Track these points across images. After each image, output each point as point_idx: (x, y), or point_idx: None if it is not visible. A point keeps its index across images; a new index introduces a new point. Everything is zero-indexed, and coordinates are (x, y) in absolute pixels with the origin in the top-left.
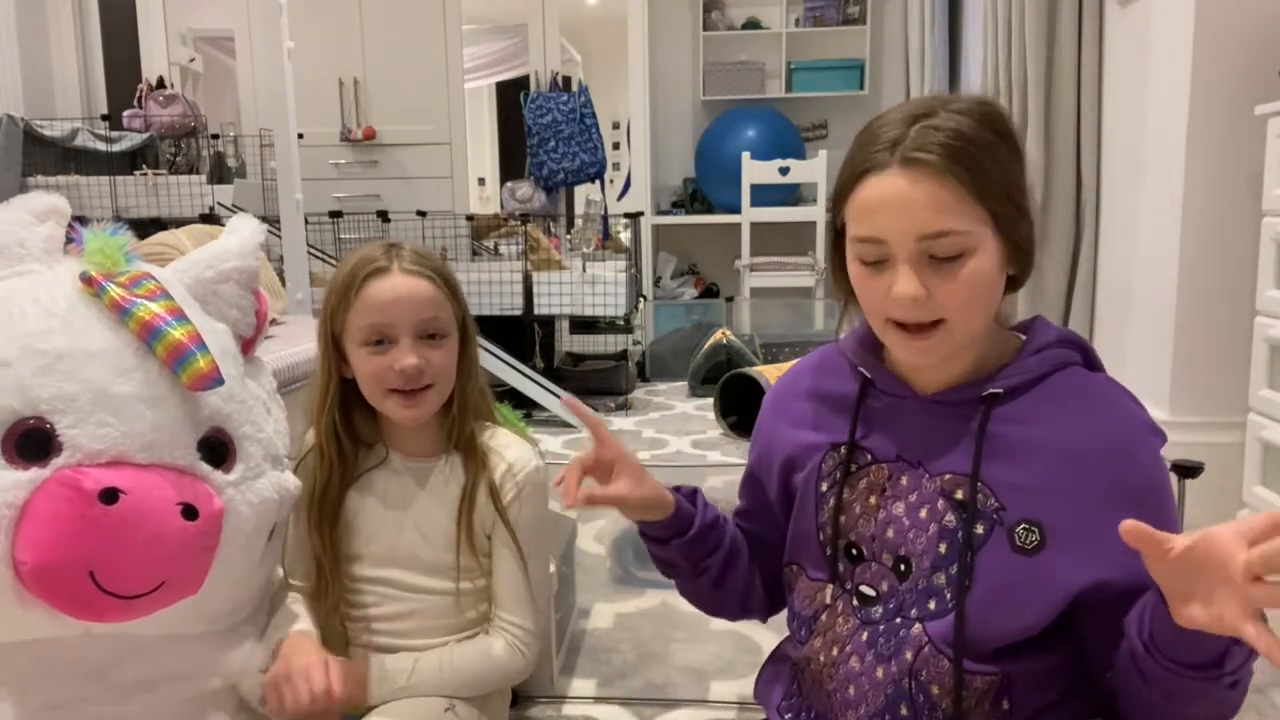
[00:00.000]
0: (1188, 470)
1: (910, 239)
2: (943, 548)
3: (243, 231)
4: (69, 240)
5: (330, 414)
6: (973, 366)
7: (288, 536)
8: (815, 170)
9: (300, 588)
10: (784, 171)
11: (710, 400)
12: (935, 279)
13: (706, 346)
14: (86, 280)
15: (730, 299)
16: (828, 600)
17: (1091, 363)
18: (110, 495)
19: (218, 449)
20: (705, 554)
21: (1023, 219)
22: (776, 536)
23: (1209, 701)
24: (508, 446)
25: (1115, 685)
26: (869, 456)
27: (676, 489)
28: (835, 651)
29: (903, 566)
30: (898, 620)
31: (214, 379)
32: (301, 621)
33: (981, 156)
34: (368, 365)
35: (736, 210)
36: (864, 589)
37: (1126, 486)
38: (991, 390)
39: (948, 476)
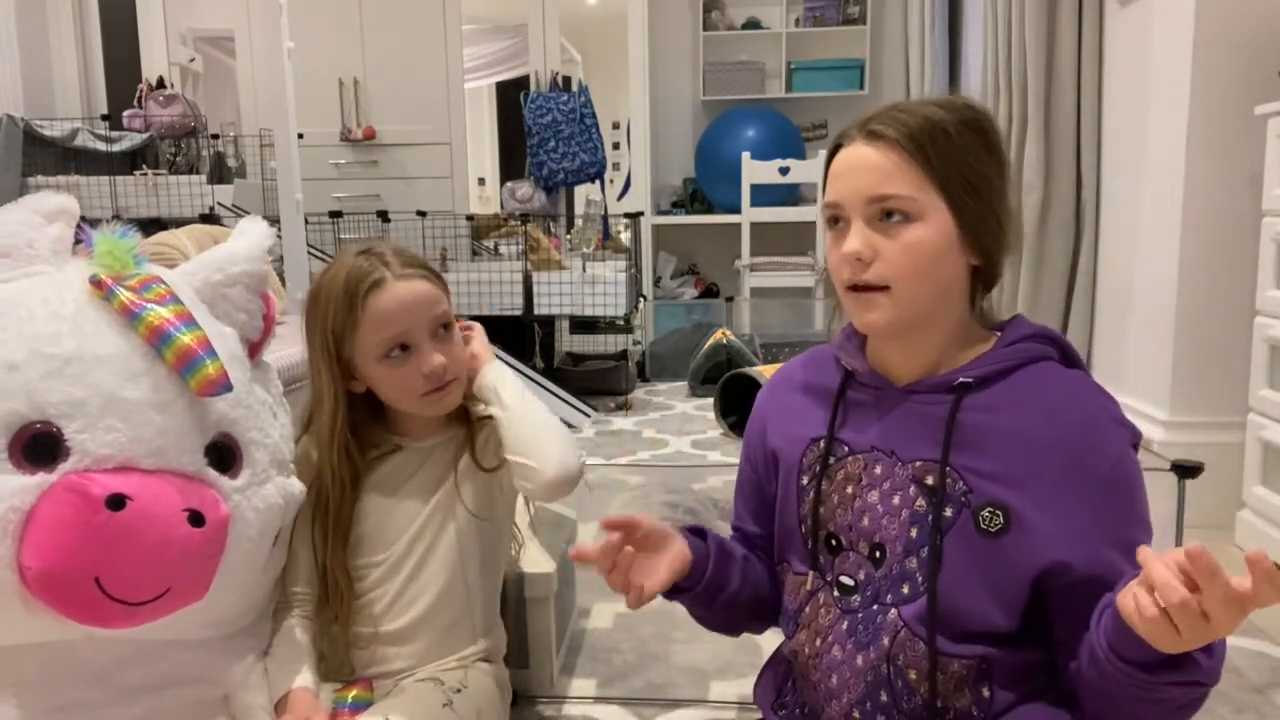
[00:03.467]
0: (1188, 470)
1: (860, 201)
2: (914, 532)
3: (252, 235)
4: (77, 241)
5: (343, 435)
6: (945, 358)
7: (292, 540)
8: (815, 170)
9: (302, 595)
10: (784, 171)
11: (710, 400)
12: (882, 241)
13: (706, 346)
14: (96, 283)
15: (730, 299)
16: (809, 591)
17: (1070, 359)
18: (117, 501)
19: (224, 454)
20: (718, 591)
21: (984, 208)
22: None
23: (1160, 706)
24: None
25: (1076, 676)
26: (846, 448)
27: (683, 530)
28: (818, 643)
29: (878, 554)
30: (875, 607)
31: (223, 385)
32: (304, 670)
33: (943, 141)
34: (393, 377)
35: (736, 210)
36: (844, 579)
37: (1090, 475)
38: (962, 380)
39: (919, 463)
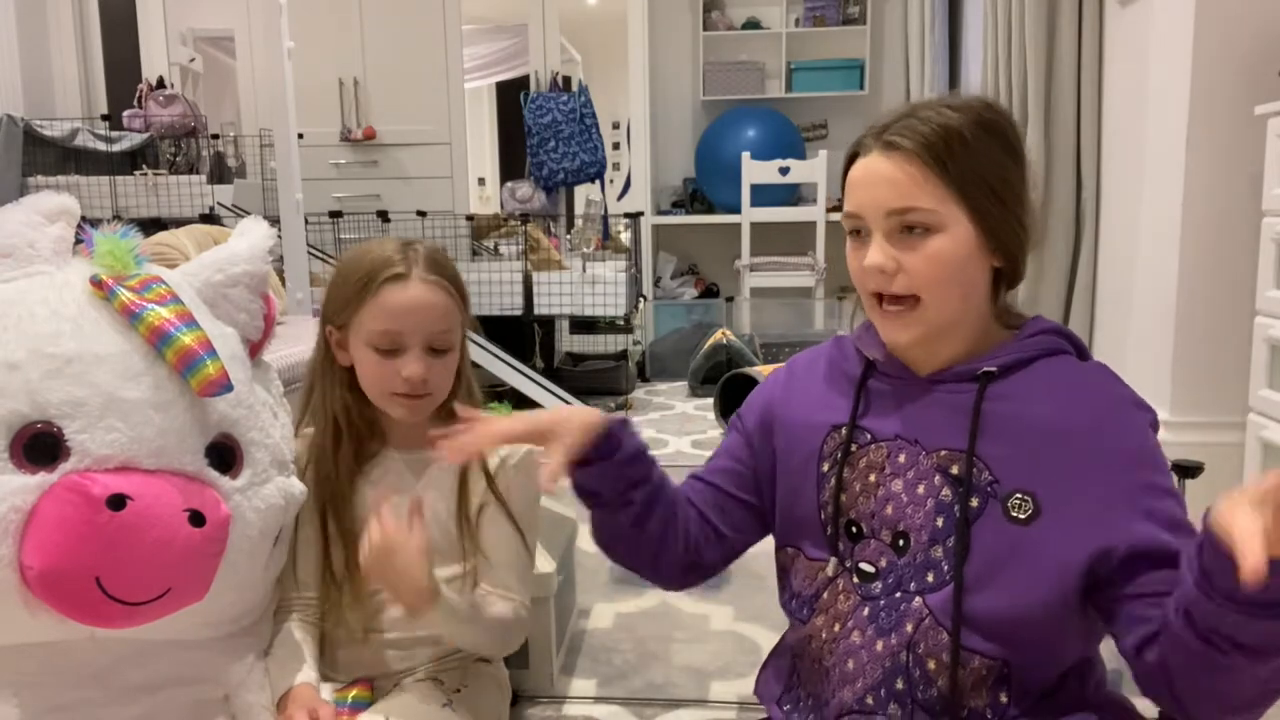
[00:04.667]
0: (1188, 470)
1: (881, 213)
2: (940, 521)
3: (253, 235)
4: (78, 241)
5: (344, 394)
6: (968, 350)
7: (294, 540)
8: (815, 170)
9: (303, 597)
10: (784, 171)
11: (710, 400)
12: (905, 253)
13: (706, 346)
14: (97, 283)
15: (730, 299)
16: (829, 577)
17: (1083, 357)
18: (118, 501)
19: (225, 454)
20: (631, 484)
21: (1005, 213)
22: (742, 492)
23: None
24: None
25: (1162, 659)
26: (868, 436)
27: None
28: (837, 628)
29: (901, 542)
30: (898, 594)
31: (223, 385)
32: (305, 669)
33: (960, 149)
34: (374, 367)
35: (736, 210)
36: (863, 566)
37: (1113, 454)
38: (985, 369)
39: (943, 452)
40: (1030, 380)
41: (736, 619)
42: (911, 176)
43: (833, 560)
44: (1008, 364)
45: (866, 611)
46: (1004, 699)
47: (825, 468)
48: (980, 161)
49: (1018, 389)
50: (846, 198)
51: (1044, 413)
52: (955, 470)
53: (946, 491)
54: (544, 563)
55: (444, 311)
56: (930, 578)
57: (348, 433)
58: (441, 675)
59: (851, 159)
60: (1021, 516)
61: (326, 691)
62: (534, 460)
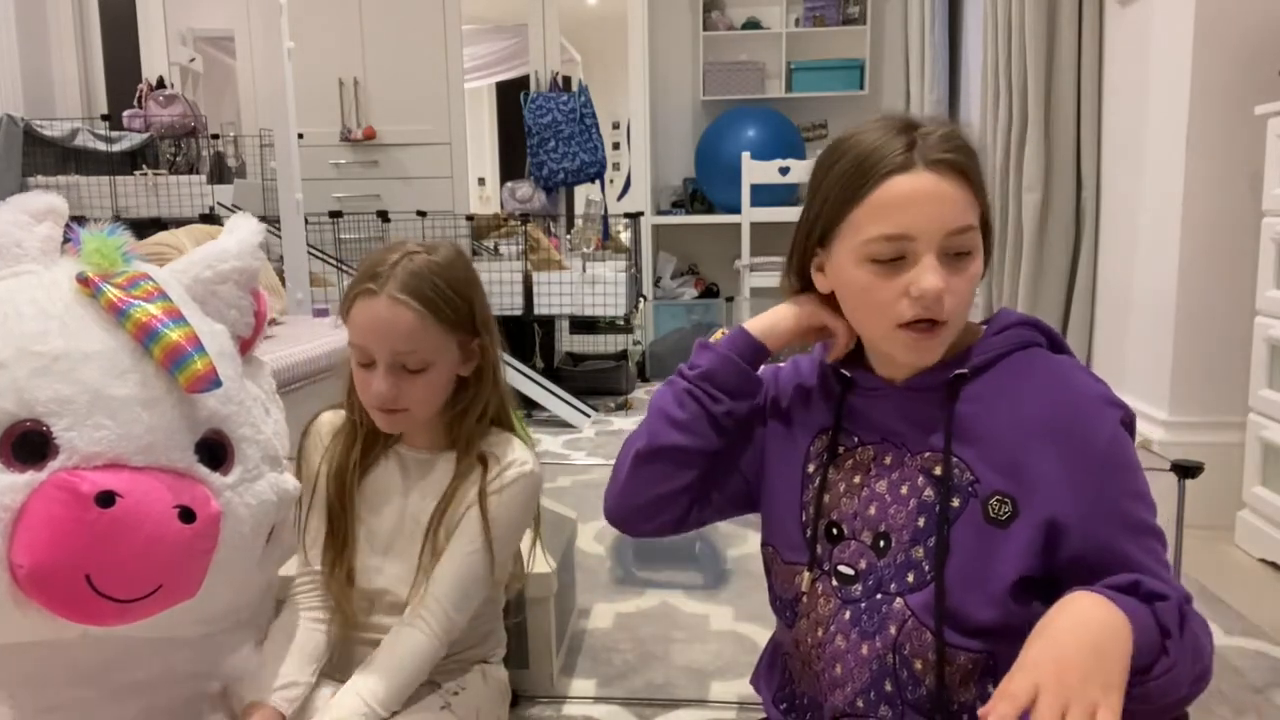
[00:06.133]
0: (1188, 470)
1: (940, 234)
2: (921, 521)
3: (242, 231)
4: (66, 240)
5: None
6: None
7: (305, 516)
8: None
9: (315, 574)
10: (784, 171)
11: None
12: (952, 275)
13: None
14: (83, 281)
15: (730, 299)
16: (806, 585)
17: (1057, 347)
18: (107, 499)
19: (215, 451)
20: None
21: (988, 224)
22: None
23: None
24: (509, 445)
25: None
26: (855, 439)
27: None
28: (820, 632)
29: (882, 543)
30: (878, 596)
31: (211, 381)
32: (281, 677)
33: (977, 163)
34: (356, 374)
35: (736, 210)
36: (842, 568)
37: (1085, 456)
38: (959, 371)
39: (927, 454)
40: (1004, 378)
41: (736, 619)
42: (963, 194)
43: (808, 574)
44: (981, 362)
45: (848, 615)
46: (992, 689)
47: (811, 469)
48: (982, 174)
49: (990, 387)
50: (882, 219)
51: (1018, 413)
52: (938, 471)
53: (929, 492)
54: (544, 563)
55: (408, 333)
56: (911, 578)
57: (362, 425)
58: (440, 677)
59: (875, 180)
60: (1001, 518)
61: (326, 690)
62: (535, 479)
